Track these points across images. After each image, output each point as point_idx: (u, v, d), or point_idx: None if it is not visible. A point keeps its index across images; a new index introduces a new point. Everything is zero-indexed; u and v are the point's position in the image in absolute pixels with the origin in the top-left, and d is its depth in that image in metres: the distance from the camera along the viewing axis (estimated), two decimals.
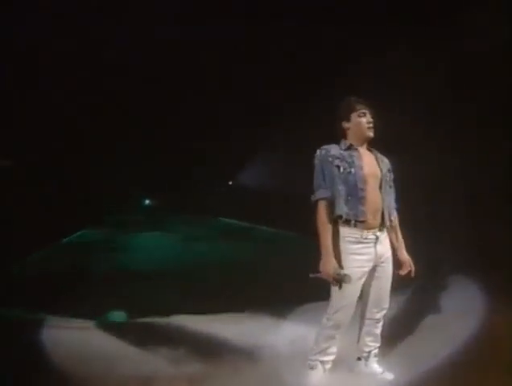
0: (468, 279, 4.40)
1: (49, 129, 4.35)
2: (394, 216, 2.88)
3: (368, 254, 2.71)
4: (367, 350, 2.82)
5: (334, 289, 2.65)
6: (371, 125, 2.79)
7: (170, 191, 7.89)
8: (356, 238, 2.69)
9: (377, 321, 2.81)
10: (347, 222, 2.68)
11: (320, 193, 2.71)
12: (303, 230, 4.16)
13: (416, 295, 4.18)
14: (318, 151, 2.79)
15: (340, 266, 2.66)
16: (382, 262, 2.76)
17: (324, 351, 2.72)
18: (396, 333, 3.37)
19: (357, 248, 2.69)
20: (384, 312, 2.81)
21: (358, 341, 2.84)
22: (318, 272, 2.61)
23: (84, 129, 4.65)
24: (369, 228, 2.71)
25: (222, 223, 9.90)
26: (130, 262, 5.91)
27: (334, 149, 2.77)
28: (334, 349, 2.74)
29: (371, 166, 2.79)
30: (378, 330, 2.83)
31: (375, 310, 2.80)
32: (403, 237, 2.92)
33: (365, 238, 2.70)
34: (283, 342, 3.31)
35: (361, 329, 2.82)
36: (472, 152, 4.49)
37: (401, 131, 4.32)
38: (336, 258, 2.66)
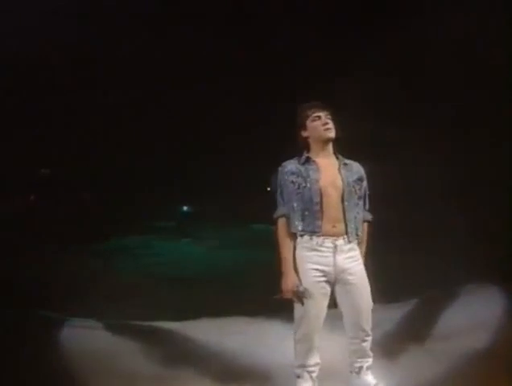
0: (482, 289, 4.25)
1: (87, 136, 4.51)
2: (363, 229, 2.77)
3: (324, 264, 2.62)
4: (357, 365, 2.72)
5: (295, 304, 2.62)
6: (327, 126, 2.70)
7: (208, 198, 7.99)
8: (311, 245, 2.63)
9: (362, 340, 2.69)
10: (302, 235, 2.64)
11: (279, 211, 2.71)
12: None
13: (426, 305, 4.11)
14: (279, 168, 2.78)
15: (299, 279, 2.60)
16: (350, 279, 2.63)
17: (304, 364, 2.66)
18: (402, 344, 3.40)
19: (312, 256, 2.62)
20: (366, 334, 2.66)
21: (349, 356, 2.76)
22: (281, 292, 2.61)
23: (124, 136, 4.71)
24: (326, 235, 2.62)
25: (257, 229, 9.87)
26: (162, 268, 6.10)
27: (291, 165, 2.75)
28: (315, 359, 2.67)
29: (330, 177, 2.70)
30: (367, 347, 2.71)
31: (355, 330, 2.68)
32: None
33: (321, 245, 2.62)
34: None
35: (348, 346, 2.73)
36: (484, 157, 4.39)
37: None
38: (295, 272, 2.64)
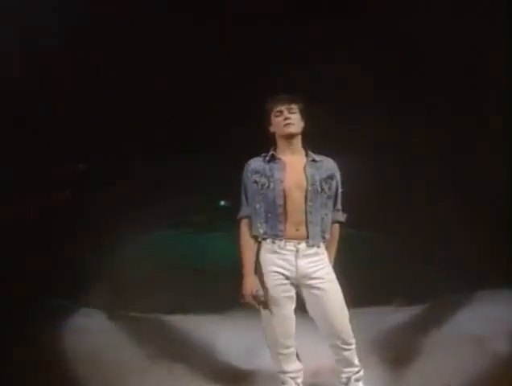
0: (496, 295, 4.07)
1: (126, 131, 4.54)
2: (333, 231, 2.65)
3: (286, 267, 2.52)
4: (344, 376, 2.60)
5: (261, 309, 2.56)
6: (288, 121, 2.55)
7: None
8: (273, 247, 2.54)
9: (342, 349, 2.55)
10: (265, 239, 2.56)
11: (242, 212, 2.63)
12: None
13: (434, 311, 3.97)
14: (245, 165, 2.68)
15: (262, 282, 2.54)
16: (314, 284, 2.52)
17: (283, 370, 2.58)
18: (405, 352, 3.28)
19: (274, 258, 2.53)
20: (344, 343, 2.53)
21: (335, 365, 2.65)
22: (241, 296, 2.55)
23: (163, 130, 4.62)
24: (288, 238, 2.53)
25: None
26: (189, 260, 6.24)
27: (256, 163, 2.64)
28: (295, 366, 2.58)
29: (295, 176, 2.57)
30: (349, 356, 2.56)
31: (331, 339, 2.55)
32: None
33: (282, 248, 2.53)
34: None
35: (332, 355, 2.61)
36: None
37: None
38: (257, 275, 2.56)
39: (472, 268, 4.00)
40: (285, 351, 2.56)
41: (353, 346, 2.58)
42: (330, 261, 2.66)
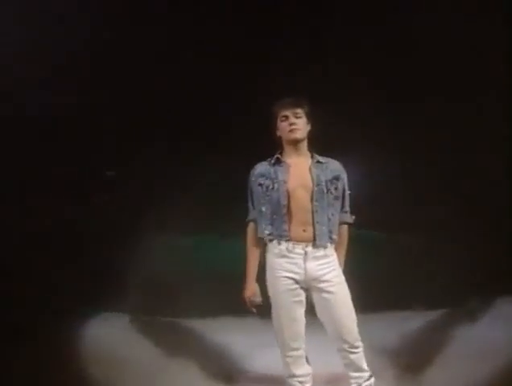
0: None
1: (163, 139, 4.51)
2: (341, 233, 2.61)
3: (293, 272, 2.50)
4: (354, 382, 2.54)
5: (272, 314, 2.56)
6: (293, 126, 2.54)
7: None
8: (280, 250, 2.52)
9: (350, 352, 2.51)
10: (271, 240, 2.54)
11: (249, 215, 2.64)
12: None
13: (454, 316, 3.86)
14: (251, 170, 2.68)
15: (271, 286, 2.53)
16: (324, 287, 2.49)
17: (293, 374, 2.54)
18: (423, 360, 3.20)
19: (282, 263, 2.51)
20: (351, 346, 2.50)
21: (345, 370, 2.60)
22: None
23: (200, 132, 4.52)
24: (296, 241, 2.51)
25: None
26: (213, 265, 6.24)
27: (261, 167, 2.65)
28: (304, 369, 2.55)
29: (300, 177, 2.56)
30: (356, 359, 2.52)
31: (339, 342, 2.52)
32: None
33: (290, 251, 2.50)
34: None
35: (341, 359, 2.57)
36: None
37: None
38: (267, 280, 2.56)
39: (496, 271, 3.88)
40: (293, 354, 2.54)
41: (360, 350, 2.55)
42: (340, 264, 2.64)
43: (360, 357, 2.55)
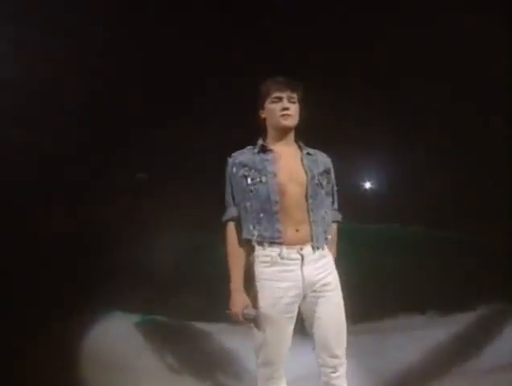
0: None
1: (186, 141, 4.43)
2: (333, 231, 2.32)
3: (289, 280, 2.15)
4: None
5: (254, 327, 2.20)
6: (286, 112, 2.19)
7: None
8: (272, 257, 2.15)
9: (333, 370, 2.21)
10: (260, 243, 2.17)
11: (227, 213, 2.25)
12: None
13: (476, 324, 3.54)
14: (228, 159, 2.30)
15: (255, 299, 2.17)
16: (319, 291, 2.18)
17: None
18: (446, 369, 2.99)
19: (274, 272, 2.15)
20: (337, 361, 2.21)
21: None
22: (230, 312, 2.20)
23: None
24: (290, 244, 2.16)
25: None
26: None
27: (244, 155, 2.27)
28: None
29: (291, 169, 2.22)
30: (339, 378, 2.22)
31: (325, 356, 2.21)
32: None
33: (285, 258, 2.15)
34: None
35: (320, 376, 2.26)
36: None
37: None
38: (250, 288, 2.20)
39: None
40: (274, 374, 2.24)
41: (344, 367, 2.25)
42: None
43: (342, 376, 2.25)
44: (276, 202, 2.18)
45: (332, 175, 2.36)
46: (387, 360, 2.79)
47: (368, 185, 4.53)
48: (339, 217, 2.40)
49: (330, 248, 2.31)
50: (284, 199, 2.19)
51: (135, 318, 3.99)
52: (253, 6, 3.91)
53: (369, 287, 3.55)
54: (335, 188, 2.38)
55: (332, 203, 2.37)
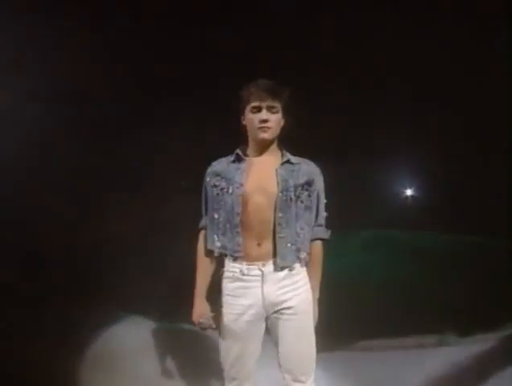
0: None
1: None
2: (314, 250, 2.18)
3: (250, 298, 2.08)
4: None
5: (219, 340, 2.18)
6: (264, 124, 2.07)
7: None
8: (234, 273, 2.11)
9: None
10: (225, 255, 2.14)
11: (201, 222, 2.24)
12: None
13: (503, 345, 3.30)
14: (208, 168, 2.26)
15: (220, 313, 2.15)
16: (281, 314, 2.09)
17: None
18: None
19: (235, 288, 2.11)
20: (301, 385, 2.11)
21: None
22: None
23: None
24: (250, 260, 2.08)
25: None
26: None
27: (221, 164, 2.21)
28: None
29: (261, 179, 2.12)
30: None
31: (288, 378, 2.13)
32: None
33: (245, 274, 2.09)
34: None
35: None
36: None
37: None
38: (217, 301, 2.18)
39: None
40: None
41: None
42: (313, 289, 2.21)
43: None
44: (237, 213, 2.10)
45: (318, 187, 2.20)
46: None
47: (409, 192, 4.42)
48: (324, 234, 2.23)
49: (311, 269, 2.18)
50: (247, 211, 2.11)
51: (149, 322, 3.92)
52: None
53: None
54: (322, 201, 2.22)
55: (316, 217, 2.21)
